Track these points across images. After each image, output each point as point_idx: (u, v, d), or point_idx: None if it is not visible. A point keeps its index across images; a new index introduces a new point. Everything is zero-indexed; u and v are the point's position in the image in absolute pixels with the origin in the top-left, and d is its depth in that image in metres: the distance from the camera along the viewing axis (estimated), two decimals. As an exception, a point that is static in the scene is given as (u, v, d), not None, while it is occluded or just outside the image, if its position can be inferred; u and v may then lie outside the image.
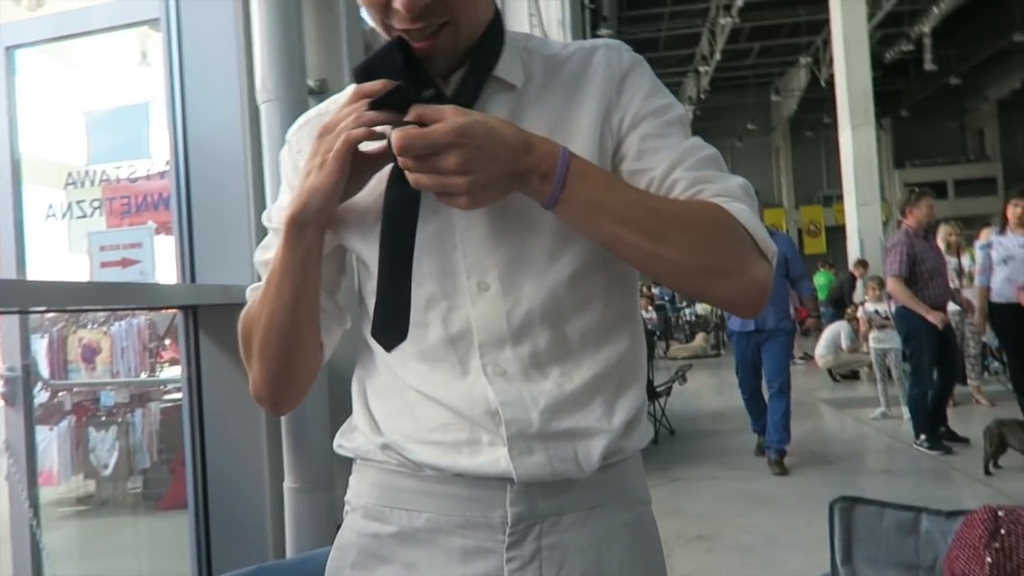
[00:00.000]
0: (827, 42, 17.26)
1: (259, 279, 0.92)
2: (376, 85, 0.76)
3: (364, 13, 0.82)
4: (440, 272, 0.82)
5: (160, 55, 1.83)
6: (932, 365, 5.22)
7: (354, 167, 0.77)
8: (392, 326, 0.82)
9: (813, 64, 20.77)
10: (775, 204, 26.20)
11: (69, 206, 2.41)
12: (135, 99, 2.36)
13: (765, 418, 5.20)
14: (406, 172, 0.73)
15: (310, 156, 0.80)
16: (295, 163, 0.91)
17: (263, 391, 0.89)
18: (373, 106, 0.75)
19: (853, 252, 11.28)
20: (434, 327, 0.83)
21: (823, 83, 19.80)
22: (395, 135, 0.72)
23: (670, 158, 0.82)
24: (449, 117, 0.70)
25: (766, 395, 5.30)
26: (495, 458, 0.80)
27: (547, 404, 0.81)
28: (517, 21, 6.39)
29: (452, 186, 0.71)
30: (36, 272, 2.42)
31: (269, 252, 0.90)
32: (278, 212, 0.92)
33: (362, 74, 0.78)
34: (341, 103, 0.85)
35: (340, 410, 0.97)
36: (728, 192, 0.81)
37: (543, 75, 0.87)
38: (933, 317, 5.02)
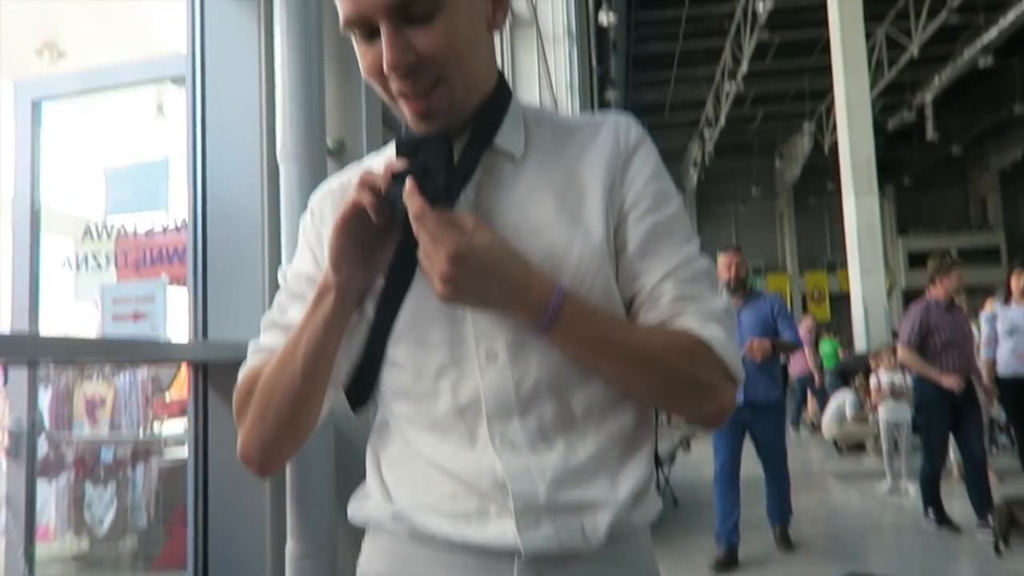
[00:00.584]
0: (830, 110, 17.59)
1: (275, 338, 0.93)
2: (400, 164, 0.78)
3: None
4: (449, 341, 0.83)
5: (177, 108, 1.86)
6: (944, 441, 4.96)
7: (370, 240, 0.81)
8: (360, 387, 0.87)
9: (816, 131, 21.13)
10: (779, 269, 26.31)
11: (84, 258, 2.43)
12: (155, 154, 2.40)
13: (737, 514, 4.63)
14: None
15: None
16: (317, 231, 0.92)
17: (254, 453, 0.89)
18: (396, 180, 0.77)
19: (857, 320, 11.27)
20: (444, 396, 0.84)
21: (826, 150, 20.11)
22: (412, 203, 0.74)
23: (665, 267, 0.85)
24: (453, 236, 0.74)
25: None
26: (503, 531, 0.79)
27: (554, 477, 0.81)
28: (528, 82, 6.53)
29: (432, 279, 0.76)
30: (48, 322, 2.42)
31: (284, 315, 0.92)
32: (294, 277, 0.94)
33: (405, 148, 0.80)
34: (362, 170, 0.87)
35: (346, 475, 0.96)
36: (709, 314, 0.84)
37: (551, 144, 0.88)
38: (948, 381, 4.70)
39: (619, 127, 0.89)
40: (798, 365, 11.38)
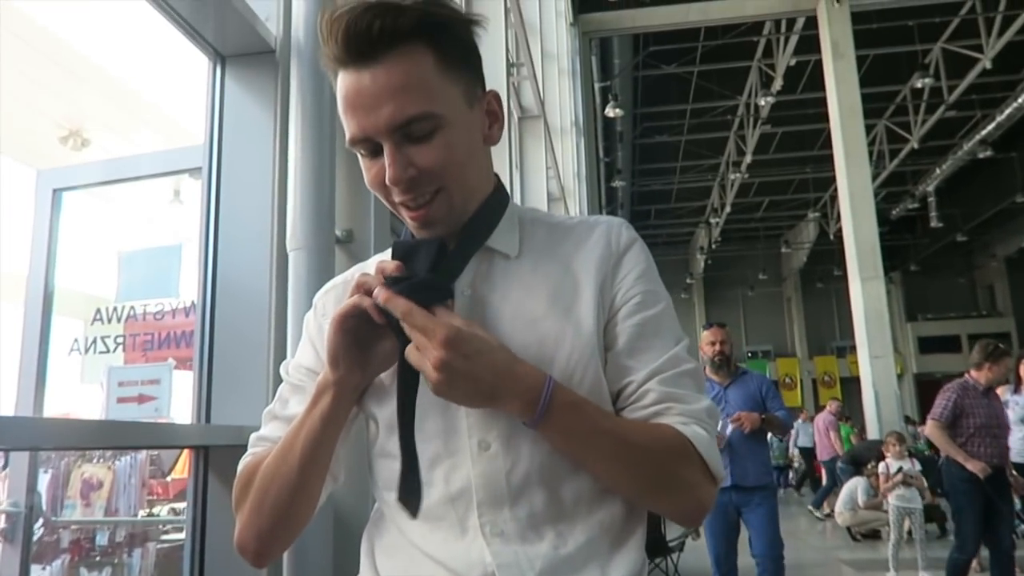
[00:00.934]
0: (834, 198, 17.87)
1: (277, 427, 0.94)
2: (391, 266, 0.82)
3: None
4: (443, 431, 0.85)
5: (194, 196, 1.92)
6: (978, 529, 4.61)
7: (369, 340, 0.84)
8: (412, 493, 0.86)
9: (821, 218, 21.40)
10: (788, 354, 26.15)
11: (93, 341, 2.46)
12: (168, 240, 2.46)
13: None
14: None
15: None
16: (319, 326, 0.95)
17: (250, 543, 0.89)
18: (389, 283, 0.81)
19: (868, 404, 11.13)
20: (437, 486, 0.85)
21: (831, 236, 20.32)
22: (395, 304, 0.78)
23: (651, 366, 0.87)
24: (443, 324, 0.77)
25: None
26: None
27: (543, 567, 0.81)
28: (535, 175, 6.69)
29: (425, 371, 0.77)
30: (52, 405, 2.44)
31: (286, 408, 0.94)
32: (295, 368, 0.96)
33: (400, 251, 0.84)
34: (367, 267, 0.95)
35: (344, 565, 0.96)
36: (692, 415, 0.86)
37: (545, 244, 0.92)
38: (972, 465, 4.49)
39: (611, 229, 0.93)
40: (825, 449, 11.26)
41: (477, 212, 0.89)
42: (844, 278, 12.01)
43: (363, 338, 0.83)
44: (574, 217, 0.98)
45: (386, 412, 0.87)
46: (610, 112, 13.11)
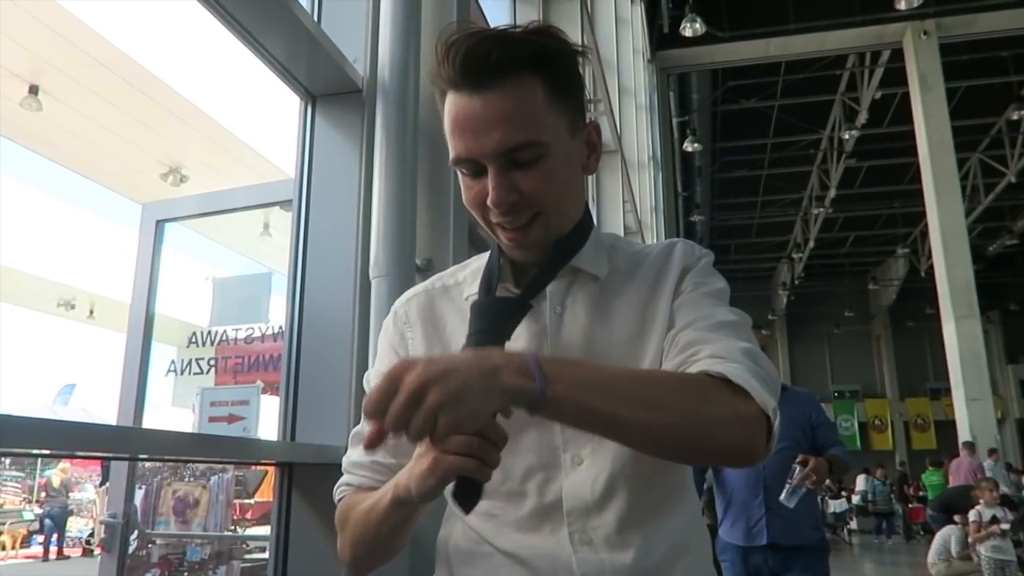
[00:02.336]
0: (925, 233, 17.16)
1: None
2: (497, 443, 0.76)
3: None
4: (538, 446, 0.89)
5: (282, 228, 2.03)
6: None
7: None
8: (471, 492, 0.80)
9: (911, 254, 20.56)
10: (877, 394, 25.05)
11: (188, 363, 2.61)
12: (257, 262, 2.61)
13: None
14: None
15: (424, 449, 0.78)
16: (402, 334, 1.00)
17: (349, 567, 0.96)
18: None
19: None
20: (531, 497, 0.89)
21: (923, 273, 19.49)
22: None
23: (685, 319, 0.88)
24: (407, 374, 0.68)
25: None
26: None
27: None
28: (612, 208, 6.72)
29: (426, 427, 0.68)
30: (151, 422, 2.59)
31: (362, 427, 0.97)
32: (376, 378, 1.00)
33: (479, 310, 0.89)
34: (445, 278, 1.01)
35: (419, 568, 1.00)
36: (724, 353, 0.82)
37: (628, 269, 0.96)
38: None
39: (685, 247, 0.97)
40: None
41: (566, 235, 0.94)
42: (937, 316, 11.51)
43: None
44: (652, 246, 1.01)
45: None
46: (688, 147, 13.06)
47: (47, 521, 12.19)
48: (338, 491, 1.00)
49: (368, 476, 0.98)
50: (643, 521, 0.87)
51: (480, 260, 1.01)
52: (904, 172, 15.99)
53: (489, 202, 0.86)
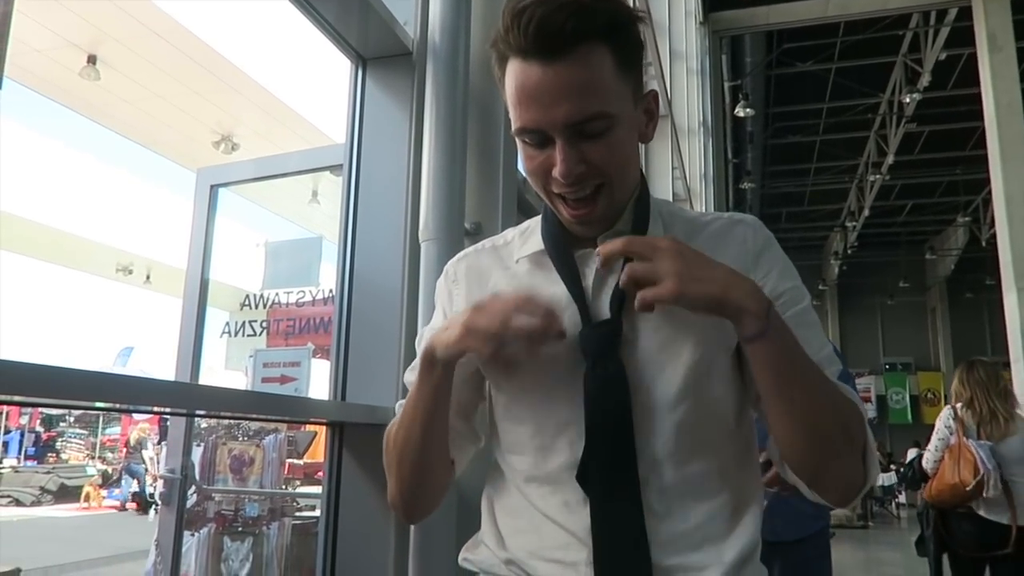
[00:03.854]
0: (987, 201, 16.52)
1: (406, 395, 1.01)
2: (558, 327, 0.84)
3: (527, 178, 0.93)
4: (574, 400, 0.87)
5: (330, 195, 2.05)
6: None
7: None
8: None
9: (972, 223, 19.86)
10: (931, 368, 24.44)
11: (241, 325, 2.67)
12: (307, 229, 2.64)
13: None
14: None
15: (471, 308, 0.86)
16: (449, 292, 1.02)
17: (397, 500, 0.97)
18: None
19: (1024, 426, 10.23)
20: (561, 452, 0.89)
21: (983, 243, 18.81)
22: (617, 244, 0.82)
23: (816, 357, 0.87)
24: (663, 243, 0.81)
25: None
26: None
27: (663, 539, 0.84)
28: (661, 176, 6.62)
29: (658, 287, 0.78)
30: (206, 383, 2.66)
31: (414, 374, 0.98)
32: (429, 333, 1.01)
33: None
34: (496, 240, 1.00)
35: (466, 532, 1.02)
36: (860, 405, 0.89)
37: (684, 236, 0.93)
38: None
39: (747, 228, 0.95)
40: None
41: (635, 210, 0.93)
42: (997, 288, 11.12)
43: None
44: (707, 213, 1.00)
45: (515, 380, 0.92)
46: (740, 112, 12.74)
47: (126, 477, 12.75)
48: (388, 429, 1.02)
49: None
50: (687, 492, 0.86)
51: (531, 223, 1.01)
52: (967, 137, 15.38)
53: (557, 174, 0.84)
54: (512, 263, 0.99)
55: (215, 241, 2.80)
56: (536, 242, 0.96)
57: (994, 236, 11.98)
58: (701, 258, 0.80)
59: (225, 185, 2.77)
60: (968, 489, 3.62)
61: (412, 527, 1.58)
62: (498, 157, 1.93)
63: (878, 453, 0.90)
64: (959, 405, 4.01)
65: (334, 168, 2.21)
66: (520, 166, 0.92)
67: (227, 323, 2.68)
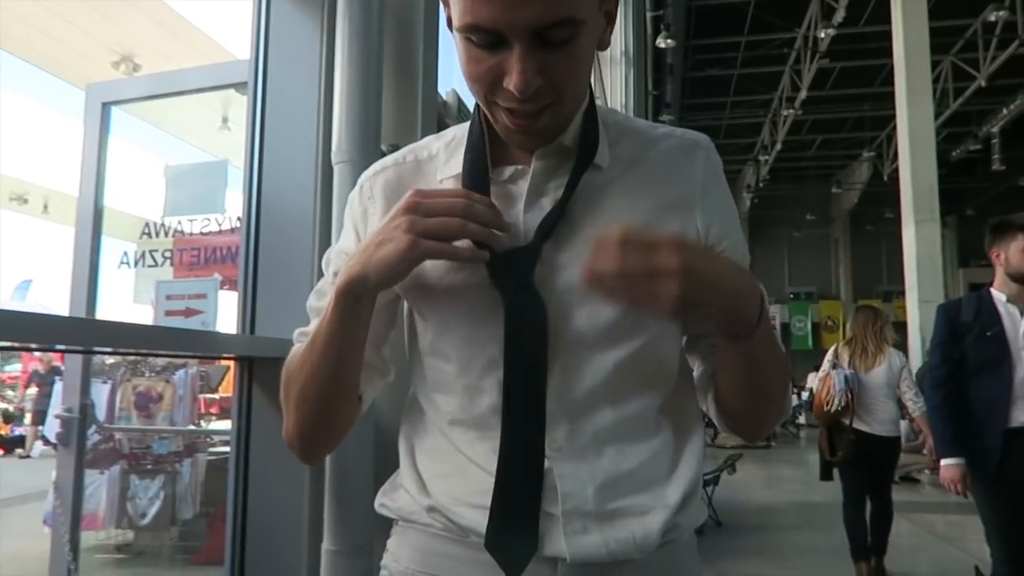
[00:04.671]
0: (891, 137, 17.17)
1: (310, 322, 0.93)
2: (484, 204, 0.77)
3: (467, 87, 0.82)
4: (500, 339, 0.80)
5: (242, 121, 1.91)
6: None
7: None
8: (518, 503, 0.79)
9: (876, 158, 20.65)
10: (832, 296, 25.70)
11: (142, 255, 2.50)
12: (215, 156, 2.47)
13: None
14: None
15: (388, 221, 0.78)
16: (364, 209, 0.91)
17: (295, 439, 0.89)
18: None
19: (914, 350, 10.92)
20: (489, 393, 0.82)
21: (886, 178, 19.63)
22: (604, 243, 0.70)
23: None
24: (667, 239, 0.70)
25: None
26: (547, 535, 0.77)
27: (603, 481, 0.79)
28: (582, 103, 6.54)
29: (661, 287, 0.68)
30: (104, 317, 2.49)
31: (322, 300, 0.90)
32: (336, 255, 0.92)
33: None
34: (418, 151, 0.90)
35: (385, 473, 0.95)
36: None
37: (632, 155, 0.86)
38: None
39: (703, 153, 0.89)
40: None
41: (584, 125, 0.84)
42: (896, 221, 11.65)
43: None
44: (656, 126, 0.90)
45: (441, 312, 0.84)
46: (661, 43, 12.70)
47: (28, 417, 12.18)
48: (286, 361, 0.93)
49: None
50: (624, 435, 0.81)
51: (458, 132, 0.91)
52: (876, 74, 15.85)
53: (511, 86, 0.73)
54: (436, 183, 0.89)
55: (112, 166, 2.59)
56: (461, 161, 0.86)
57: (896, 171, 12.49)
58: (710, 254, 0.74)
59: (118, 103, 2.54)
60: (826, 408, 4.59)
61: (327, 469, 1.52)
62: (417, 74, 1.81)
63: None
64: (843, 343, 4.96)
65: (239, 86, 2.04)
66: (459, 68, 0.79)
67: (125, 253, 2.50)
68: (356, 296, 0.78)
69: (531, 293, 0.78)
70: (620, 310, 0.79)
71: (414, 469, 0.87)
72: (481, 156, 0.84)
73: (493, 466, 0.80)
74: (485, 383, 0.82)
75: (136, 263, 2.50)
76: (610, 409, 0.80)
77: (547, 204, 0.82)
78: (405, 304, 0.91)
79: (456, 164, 0.87)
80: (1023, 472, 2.86)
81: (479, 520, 0.79)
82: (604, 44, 0.83)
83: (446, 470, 0.84)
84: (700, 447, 0.87)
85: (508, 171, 0.84)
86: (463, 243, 0.77)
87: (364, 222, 0.90)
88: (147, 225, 2.48)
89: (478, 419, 0.83)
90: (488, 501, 0.79)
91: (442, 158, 0.90)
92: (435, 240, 0.75)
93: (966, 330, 3.04)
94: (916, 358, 10.77)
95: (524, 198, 0.83)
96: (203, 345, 1.66)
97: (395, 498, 0.88)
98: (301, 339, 0.93)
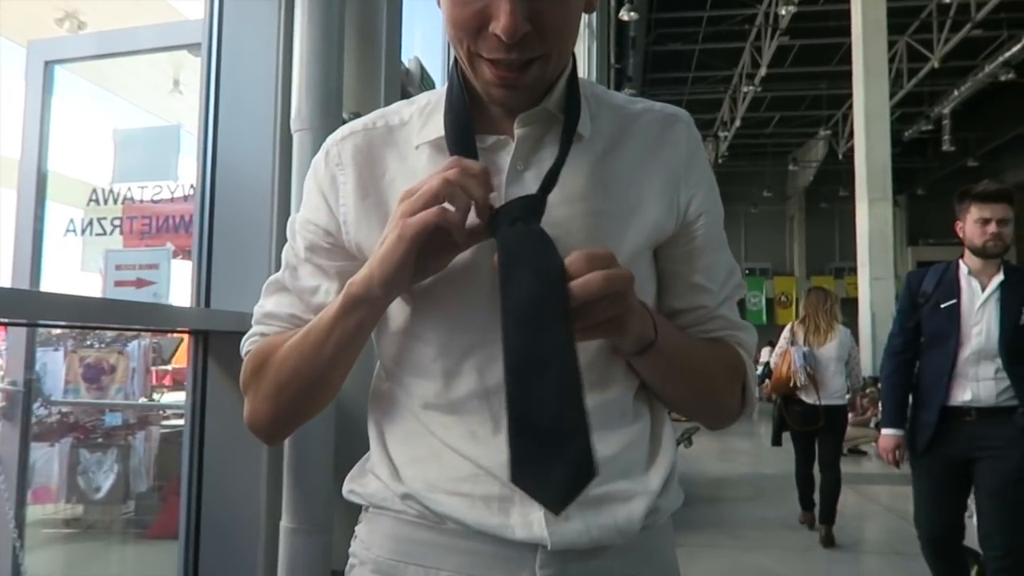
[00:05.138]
0: (847, 116, 17.44)
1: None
2: (476, 167, 0.71)
3: (449, 39, 0.78)
4: (483, 324, 0.76)
5: (194, 82, 1.83)
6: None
7: (437, 241, 0.71)
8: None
9: (832, 137, 20.98)
10: (786, 272, 26.19)
11: (89, 223, 2.40)
12: (166, 121, 2.37)
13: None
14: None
15: (392, 219, 0.72)
16: (333, 177, 0.84)
17: (265, 426, 0.86)
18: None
19: (864, 326, 11.21)
20: (468, 377, 0.78)
21: (840, 156, 19.97)
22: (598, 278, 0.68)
23: (724, 291, 0.89)
24: (617, 277, 0.70)
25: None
26: (528, 521, 0.74)
27: None
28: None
29: (619, 321, 0.73)
30: (50, 287, 2.40)
31: (298, 278, 0.86)
32: (304, 226, 0.86)
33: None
34: (389, 116, 0.85)
35: (347, 450, 0.93)
36: (746, 345, 0.90)
37: (612, 128, 0.83)
38: None
39: (683, 127, 0.86)
40: None
41: (567, 92, 0.80)
42: (850, 199, 11.88)
43: (428, 250, 0.72)
44: (634, 100, 0.87)
45: (429, 291, 0.79)
46: (624, 16, 12.64)
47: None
48: (247, 342, 0.89)
49: (286, 327, 0.86)
50: (603, 422, 0.77)
51: (432, 97, 0.85)
52: (834, 52, 16.02)
53: (498, 30, 0.69)
54: (411, 150, 0.82)
55: (56, 128, 2.47)
56: (439, 125, 0.80)
57: (851, 150, 12.70)
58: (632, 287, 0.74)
59: (62, 62, 2.42)
60: (791, 384, 5.03)
61: (286, 445, 1.48)
62: (380, 39, 1.75)
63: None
64: (797, 321, 5.37)
65: (192, 47, 1.95)
66: (443, 16, 0.75)
67: (72, 220, 2.40)
68: (367, 302, 0.75)
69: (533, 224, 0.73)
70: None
71: (385, 454, 0.83)
72: (464, 117, 0.78)
73: (470, 450, 0.77)
74: (465, 366, 0.78)
75: (84, 231, 2.39)
76: (592, 394, 0.75)
77: (530, 178, 0.78)
78: None
79: (434, 128, 0.81)
80: (951, 452, 2.83)
81: (456, 506, 0.76)
82: (592, 6, 0.79)
83: (420, 455, 0.80)
84: (673, 430, 0.87)
85: (489, 140, 0.79)
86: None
87: (334, 190, 0.83)
88: (95, 192, 2.37)
89: (455, 403, 0.79)
90: (465, 487, 0.76)
91: (416, 123, 0.84)
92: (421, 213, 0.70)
93: (924, 300, 2.97)
94: (867, 333, 11.06)
95: (506, 170, 0.78)
96: (156, 318, 1.60)
97: (365, 484, 0.83)
98: (267, 321, 0.88)
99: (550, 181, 0.75)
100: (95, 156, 2.49)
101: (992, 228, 2.88)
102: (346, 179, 0.83)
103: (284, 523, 1.49)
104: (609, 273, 0.68)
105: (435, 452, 0.79)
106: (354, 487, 0.85)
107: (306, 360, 0.79)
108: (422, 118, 0.84)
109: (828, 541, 4.90)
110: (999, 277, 2.86)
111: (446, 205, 0.70)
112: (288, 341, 0.82)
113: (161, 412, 4.07)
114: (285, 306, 0.87)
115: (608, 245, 0.74)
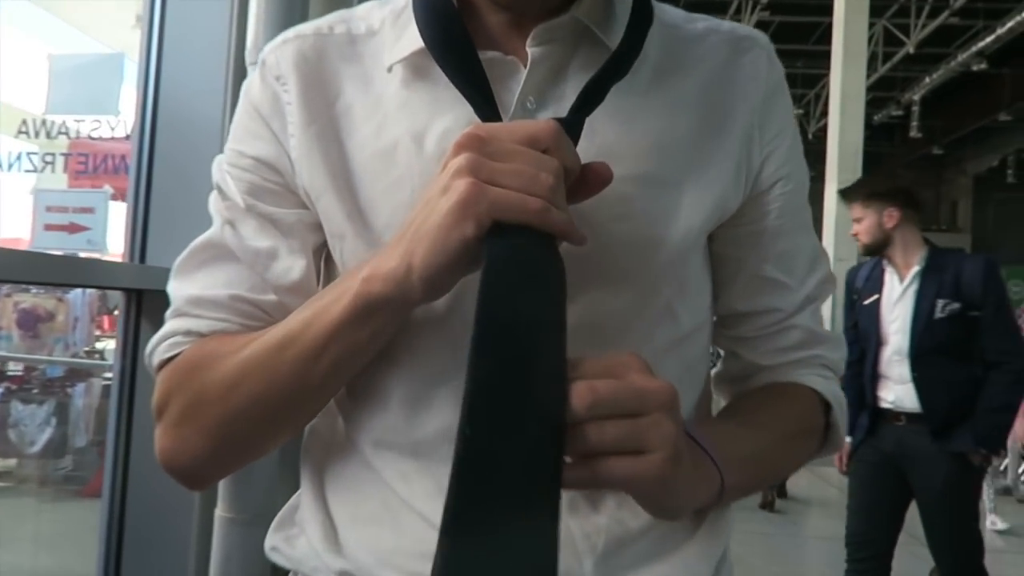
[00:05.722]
0: (819, 96, 17.45)
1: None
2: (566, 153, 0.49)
3: None
4: (452, 343, 0.55)
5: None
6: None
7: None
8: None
9: (803, 116, 21.05)
10: (749, 249, 26.56)
11: (17, 156, 2.16)
12: (108, 48, 2.13)
13: None
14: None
15: (438, 173, 0.49)
16: (273, 93, 0.61)
17: (195, 469, 0.61)
18: None
19: (827, 308, 11.33)
20: (438, 410, 0.56)
21: (811, 136, 20.07)
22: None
23: (805, 289, 0.66)
24: (664, 394, 0.47)
25: None
26: None
27: (606, 548, 0.55)
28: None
29: (646, 457, 0.45)
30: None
31: (221, 234, 0.62)
32: (239, 159, 0.62)
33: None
34: (352, 22, 0.62)
35: (289, 479, 0.74)
36: (835, 365, 0.70)
37: (661, 55, 0.61)
38: None
39: (761, 54, 0.64)
40: None
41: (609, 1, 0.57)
42: (819, 179, 11.89)
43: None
44: (693, 16, 0.65)
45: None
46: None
47: None
48: (164, 346, 0.62)
49: (230, 320, 0.60)
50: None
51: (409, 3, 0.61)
52: (812, 31, 15.97)
53: None
54: (379, 71, 0.60)
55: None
56: (418, 36, 0.57)
57: (821, 130, 12.70)
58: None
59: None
60: None
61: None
62: (352, -34, 1.56)
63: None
64: None
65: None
66: None
67: (-2, 154, 2.16)
68: (390, 302, 0.50)
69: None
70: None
71: (322, 505, 0.61)
72: (456, 23, 0.55)
73: (435, 513, 0.47)
74: (436, 394, 0.57)
75: (11, 166, 2.16)
76: None
77: (552, 104, 0.56)
78: (323, 263, 0.64)
79: (411, 42, 0.58)
80: (879, 457, 2.71)
81: None
82: None
83: (368, 512, 0.58)
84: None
85: (486, 56, 0.56)
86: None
87: (277, 112, 0.60)
88: (24, 122, 2.13)
89: (419, 445, 0.57)
90: (428, 567, 0.42)
91: (388, 35, 0.61)
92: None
93: (857, 297, 2.84)
94: (828, 313, 11.17)
95: (512, 107, 0.56)
96: (85, 275, 1.42)
97: (293, 543, 0.62)
98: (194, 312, 0.61)
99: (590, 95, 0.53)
100: (28, 82, 2.25)
101: (854, 228, 2.82)
102: (291, 97, 0.61)
103: (219, 512, 1.33)
104: (634, 384, 0.45)
105: (391, 511, 0.57)
106: (277, 543, 0.63)
107: (281, 383, 0.55)
108: (396, 27, 0.61)
109: (768, 505, 5.28)
110: (916, 267, 2.69)
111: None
112: (242, 351, 0.57)
113: (101, 358, 3.85)
114: (223, 284, 0.61)
115: (653, 225, 0.56)
